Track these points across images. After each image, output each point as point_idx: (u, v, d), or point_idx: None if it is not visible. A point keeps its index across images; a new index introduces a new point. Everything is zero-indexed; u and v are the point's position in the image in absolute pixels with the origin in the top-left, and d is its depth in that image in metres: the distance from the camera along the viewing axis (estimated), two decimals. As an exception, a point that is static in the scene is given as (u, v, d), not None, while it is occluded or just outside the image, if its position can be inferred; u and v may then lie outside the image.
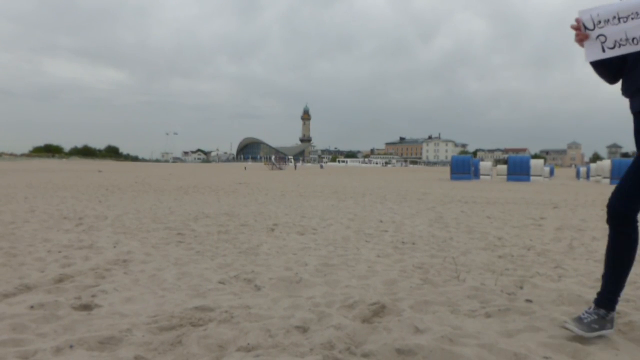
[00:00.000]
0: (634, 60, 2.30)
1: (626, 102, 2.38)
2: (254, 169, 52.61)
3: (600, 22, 2.19)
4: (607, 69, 2.42)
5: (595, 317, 2.32)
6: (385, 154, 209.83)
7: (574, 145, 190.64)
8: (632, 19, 2.11)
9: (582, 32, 2.25)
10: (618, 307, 2.75)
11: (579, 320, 2.31)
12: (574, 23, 2.27)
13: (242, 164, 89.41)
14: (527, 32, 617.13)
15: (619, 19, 2.14)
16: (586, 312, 2.36)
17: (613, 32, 2.16)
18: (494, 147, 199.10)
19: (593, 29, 2.23)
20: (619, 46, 2.17)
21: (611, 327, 2.34)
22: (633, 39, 2.13)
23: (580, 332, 2.25)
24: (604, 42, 2.21)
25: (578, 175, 39.20)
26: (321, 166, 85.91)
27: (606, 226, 2.36)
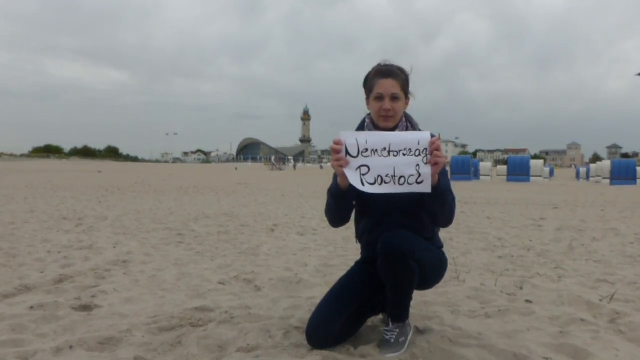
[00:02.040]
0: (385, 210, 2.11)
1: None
2: (254, 170, 52.60)
3: (367, 150, 1.86)
4: (347, 202, 2.13)
5: (398, 329, 2.15)
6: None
7: (574, 146, 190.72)
8: (404, 154, 1.84)
9: (342, 158, 1.92)
10: (619, 308, 2.76)
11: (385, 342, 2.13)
12: (335, 145, 1.93)
13: (242, 164, 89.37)
14: (528, 32, 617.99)
15: (389, 151, 1.85)
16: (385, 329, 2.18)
17: (379, 164, 1.86)
18: (493, 148, 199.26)
19: (356, 157, 1.89)
20: (381, 183, 1.87)
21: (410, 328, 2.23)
22: (400, 177, 1.85)
23: (396, 354, 2.07)
24: (364, 174, 1.87)
25: (578, 175, 39.25)
26: (321, 167, 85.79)
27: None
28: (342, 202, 2.12)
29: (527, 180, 27.84)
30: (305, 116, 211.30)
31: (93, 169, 37.72)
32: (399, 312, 2.18)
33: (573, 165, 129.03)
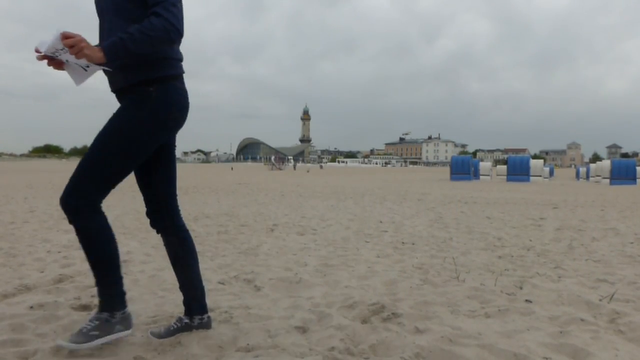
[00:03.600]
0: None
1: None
2: (254, 169, 52.58)
3: (57, 51, 2.00)
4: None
5: (97, 322, 2.11)
6: (385, 154, 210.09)
7: (574, 146, 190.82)
8: (65, 51, 1.97)
9: (53, 61, 2.02)
10: (619, 308, 2.76)
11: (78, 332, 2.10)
12: (39, 56, 1.99)
13: (242, 164, 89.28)
14: (530, 33, 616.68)
15: (63, 50, 1.98)
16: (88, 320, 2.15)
17: (70, 57, 2.00)
18: (493, 148, 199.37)
19: (58, 57, 2.05)
20: (88, 66, 2.03)
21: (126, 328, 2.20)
22: (87, 66, 2.01)
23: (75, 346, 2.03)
24: (76, 62, 2.04)
25: (578, 175, 39.22)
26: (321, 166, 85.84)
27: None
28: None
29: (527, 180, 27.83)
30: (306, 116, 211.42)
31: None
32: (99, 296, 2.16)
33: (573, 165, 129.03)
